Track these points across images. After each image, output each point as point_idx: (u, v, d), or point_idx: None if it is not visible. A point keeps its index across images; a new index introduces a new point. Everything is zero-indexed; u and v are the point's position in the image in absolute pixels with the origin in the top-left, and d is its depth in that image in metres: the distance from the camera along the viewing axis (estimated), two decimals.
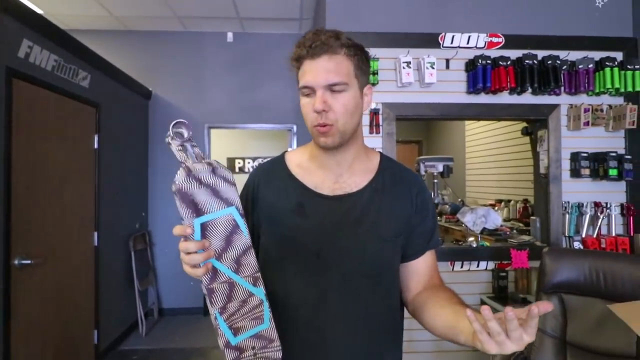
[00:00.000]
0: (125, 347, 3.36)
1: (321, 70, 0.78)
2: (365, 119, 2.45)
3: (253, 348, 0.74)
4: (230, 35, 4.17)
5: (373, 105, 2.45)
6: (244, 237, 0.73)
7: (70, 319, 2.63)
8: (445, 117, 2.77)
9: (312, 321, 0.82)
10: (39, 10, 3.49)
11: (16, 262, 2.06)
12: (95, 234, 2.95)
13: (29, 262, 2.11)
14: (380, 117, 2.46)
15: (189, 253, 0.67)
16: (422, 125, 6.85)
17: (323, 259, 0.82)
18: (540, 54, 2.45)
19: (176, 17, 3.80)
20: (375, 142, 2.45)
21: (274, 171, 0.93)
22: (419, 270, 0.91)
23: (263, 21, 3.90)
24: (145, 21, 3.91)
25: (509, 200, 3.83)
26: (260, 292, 0.75)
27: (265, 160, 0.99)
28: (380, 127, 2.47)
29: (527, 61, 2.42)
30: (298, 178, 0.89)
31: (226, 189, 0.71)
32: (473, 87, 2.45)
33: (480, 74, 2.40)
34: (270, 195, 0.89)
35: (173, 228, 0.68)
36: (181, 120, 0.71)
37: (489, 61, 2.41)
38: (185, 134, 0.72)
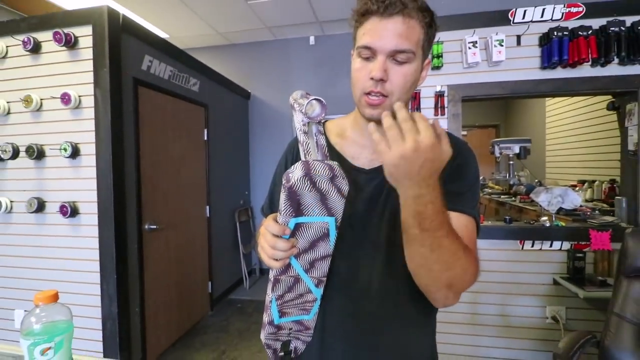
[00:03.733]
0: (233, 296, 3.65)
1: (391, 32, 0.61)
2: (430, 102, 2.22)
3: (290, 329, 0.71)
4: (312, 39, 4.15)
5: (438, 88, 2.20)
6: (328, 246, 0.65)
7: (190, 273, 2.91)
8: (517, 95, 2.36)
9: (346, 291, 0.71)
10: (164, 35, 3.88)
11: (146, 227, 2.32)
12: (207, 207, 3.21)
13: (155, 227, 2.37)
14: (446, 99, 2.21)
15: (272, 246, 0.58)
16: (500, 109, 6.11)
17: (358, 231, 0.70)
18: (629, 19, 1.94)
19: (266, 27, 3.89)
20: (441, 123, 2.21)
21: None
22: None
23: (340, 22, 3.79)
24: (242, 34, 4.09)
25: (594, 181, 3.19)
26: (318, 292, 0.69)
27: None
28: (446, 109, 2.22)
29: (612, 28, 1.94)
30: (337, 149, 0.76)
31: (335, 199, 0.59)
32: (548, 61, 2.04)
33: (555, 47, 1.99)
34: None
35: (268, 224, 0.59)
36: (319, 98, 0.58)
37: (565, 32, 1.99)
38: (317, 111, 0.60)
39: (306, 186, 0.55)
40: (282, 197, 0.55)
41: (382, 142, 0.51)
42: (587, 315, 2.02)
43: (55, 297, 0.60)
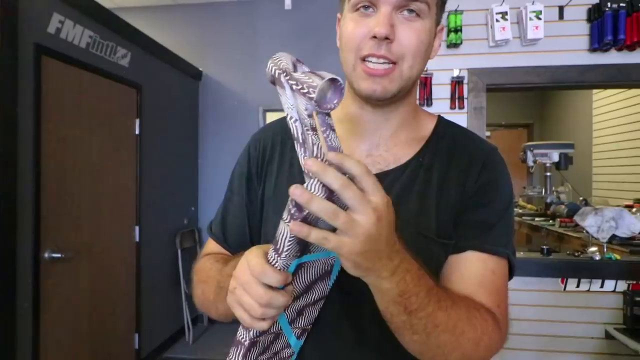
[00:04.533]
0: (170, 354, 3.53)
1: None
2: (445, 91, 2.23)
3: None
4: (288, 2, 4.13)
5: (455, 72, 2.22)
6: (327, 286, 0.64)
7: (108, 320, 2.80)
8: (559, 85, 2.41)
9: (331, 340, 0.70)
10: None
11: (46, 255, 2.22)
12: (137, 228, 3.12)
13: (60, 255, 2.28)
14: (465, 87, 2.23)
15: (266, 305, 0.53)
16: (534, 104, 6.29)
17: None
18: None
19: None
20: (458, 119, 2.21)
21: (288, 135, 0.77)
22: (460, 270, 0.67)
23: None
24: None
25: None
26: (298, 345, 0.69)
27: (276, 119, 0.84)
28: (465, 101, 2.24)
29: None
30: None
31: None
32: (599, 42, 2.10)
33: (609, 23, 2.05)
34: (280, 168, 0.77)
35: (256, 267, 0.53)
36: (334, 76, 0.51)
37: (622, 4, 2.05)
38: (330, 96, 0.53)
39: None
40: (286, 228, 0.49)
41: (330, 236, 0.46)
42: None
43: None
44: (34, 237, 2.14)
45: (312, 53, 4.06)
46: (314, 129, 0.53)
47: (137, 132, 3.13)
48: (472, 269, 0.67)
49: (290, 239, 0.50)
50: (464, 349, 0.59)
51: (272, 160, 0.78)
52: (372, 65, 0.64)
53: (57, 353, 2.30)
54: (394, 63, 0.64)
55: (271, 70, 0.56)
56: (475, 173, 0.70)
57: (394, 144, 0.74)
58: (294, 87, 0.52)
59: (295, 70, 0.56)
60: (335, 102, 0.53)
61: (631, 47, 2.08)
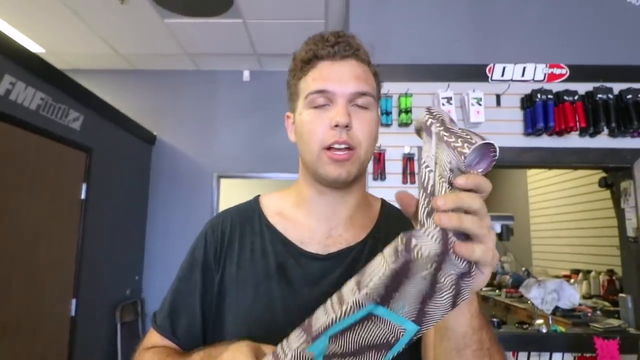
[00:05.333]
0: None
1: (348, 74, 0.71)
2: (397, 166, 2.32)
3: None
4: (246, 74, 4.28)
5: (407, 150, 2.33)
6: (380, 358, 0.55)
7: None
8: (499, 165, 2.59)
9: None
10: (38, 49, 3.74)
11: None
12: (74, 301, 2.88)
13: None
14: (416, 163, 2.33)
15: None
16: None
17: None
18: (616, 86, 2.29)
19: (186, 54, 3.95)
20: (411, 192, 2.30)
21: (246, 220, 0.80)
22: (429, 336, 0.67)
23: (282, 57, 3.99)
24: (152, 59, 4.10)
25: (589, 271, 3.47)
26: None
27: (231, 206, 0.86)
28: (416, 176, 2.33)
29: (599, 95, 2.27)
30: (279, 229, 0.77)
31: (443, 302, 0.50)
32: (532, 127, 2.30)
33: (540, 111, 2.26)
34: (241, 253, 0.76)
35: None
36: (489, 141, 0.48)
37: (550, 96, 2.28)
38: (478, 160, 0.49)
39: (427, 270, 0.46)
40: (383, 268, 0.45)
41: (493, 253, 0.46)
42: None
43: None
44: None
45: (269, 124, 4.15)
46: (450, 183, 0.50)
47: (82, 196, 2.98)
48: None
49: (382, 279, 0.45)
50: None
51: (231, 245, 0.78)
52: (337, 152, 0.69)
53: None
54: (353, 149, 0.70)
55: (424, 118, 0.54)
56: None
57: (351, 225, 0.78)
58: (447, 138, 0.50)
59: (456, 131, 0.53)
60: (481, 168, 0.50)
61: (560, 133, 2.29)
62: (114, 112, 3.40)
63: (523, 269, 3.99)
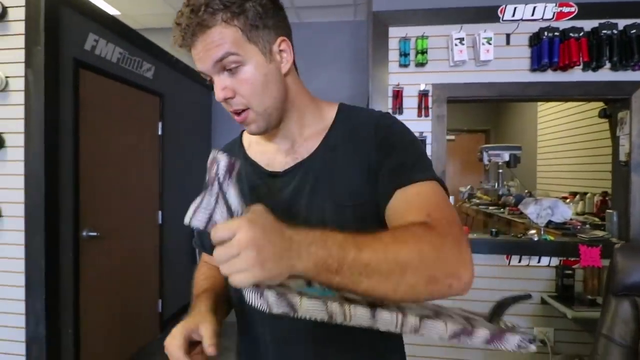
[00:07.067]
0: None
1: (202, 54, 0.62)
2: (413, 101, 2.28)
3: None
4: None
5: (422, 87, 2.27)
6: None
7: (137, 289, 2.83)
8: (505, 98, 2.48)
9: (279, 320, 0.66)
10: (114, 11, 3.78)
11: (84, 233, 2.25)
12: (160, 213, 3.14)
13: (95, 234, 2.30)
14: (430, 99, 2.27)
15: None
16: (490, 113, 6.36)
17: None
18: (622, 22, 2.07)
19: None
20: (424, 125, 2.28)
21: (232, 152, 0.82)
22: (391, 218, 0.63)
23: (318, 9, 3.83)
24: None
25: (586, 193, 3.37)
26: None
27: (227, 143, 0.88)
28: (430, 110, 2.29)
29: (604, 31, 2.07)
30: (252, 158, 0.78)
31: None
32: (537, 63, 2.15)
33: (545, 48, 2.10)
34: None
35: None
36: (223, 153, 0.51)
37: (556, 33, 2.10)
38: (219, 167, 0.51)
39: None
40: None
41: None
42: (576, 337, 2.12)
43: None
44: (74, 217, 2.16)
45: (306, 70, 4.05)
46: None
47: (160, 132, 3.15)
48: (399, 204, 0.62)
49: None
50: (412, 265, 0.49)
51: None
52: (236, 117, 0.67)
53: (94, 315, 2.34)
54: (246, 109, 0.65)
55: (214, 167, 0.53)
56: (372, 136, 0.70)
57: (304, 140, 0.74)
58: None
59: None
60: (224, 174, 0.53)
61: (563, 68, 2.13)
62: (179, 63, 3.46)
63: (526, 191, 3.92)
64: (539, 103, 4.43)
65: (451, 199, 2.28)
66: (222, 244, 0.45)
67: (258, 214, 0.47)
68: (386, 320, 0.49)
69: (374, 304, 0.50)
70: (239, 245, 0.43)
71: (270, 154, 0.76)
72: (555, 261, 2.16)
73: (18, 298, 1.95)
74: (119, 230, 2.61)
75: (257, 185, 0.74)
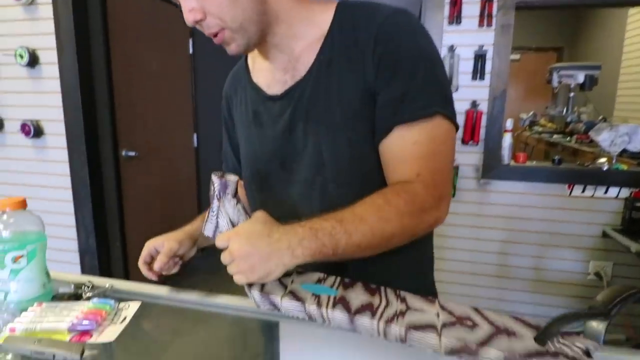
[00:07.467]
0: None
1: None
2: (474, 8, 2.07)
3: None
4: None
5: None
6: None
7: (176, 208, 3.00)
8: (590, 3, 2.18)
9: None
10: None
11: (123, 153, 2.37)
12: (195, 135, 3.23)
13: (134, 154, 2.42)
14: (495, 5, 2.06)
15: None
16: (565, 27, 5.72)
17: (288, 169, 0.71)
18: None
19: None
20: (485, 37, 2.09)
21: (238, 76, 0.82)
22: (385, 158, 0.65)
23: None
24: None
25: None
26: None
27: (235, 66, 0.88)
28: (494, 18, 2.08)
29: None
30: (255, 80, 0.77)
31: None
32: None
33: None
34: (238, 107, 0.82)
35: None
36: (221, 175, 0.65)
37: None
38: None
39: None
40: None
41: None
42: (637, 272, 2.06)
43: (23, 204, 0.63)
44: (112, 137, 2.26)
45: None
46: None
47: (190, 51, 3.11)
48: (394, 150, 0.64)
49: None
50: (396, 234, 0.61)
51: (232, 102, 0.84)
52: (214, 39, 0.65)
53: (139, 230, 2.52)
54: (222, 30, 0.63)
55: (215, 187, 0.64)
56: (370, 50, 0.62)
57: (302, 52, 0.69)
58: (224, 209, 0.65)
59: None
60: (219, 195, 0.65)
61: None
62: None
63: (601, 117, 3.62)
64: (630, 11, 3.90)
65: (509, 124, 2.16)
66: (224, 250, 0.58)
67: (251, 223, 0.59)
68: (365, 327, 0.53)
69: (357, 310, 0.55)
70: (231, 254, 0.56)
71: (269, 75, 0.74)
72: (625, 192, 2.04)
73: (68, 212, 2.16)
74: (156, 152, 2.70)
75: (259, 111, 0.75)
